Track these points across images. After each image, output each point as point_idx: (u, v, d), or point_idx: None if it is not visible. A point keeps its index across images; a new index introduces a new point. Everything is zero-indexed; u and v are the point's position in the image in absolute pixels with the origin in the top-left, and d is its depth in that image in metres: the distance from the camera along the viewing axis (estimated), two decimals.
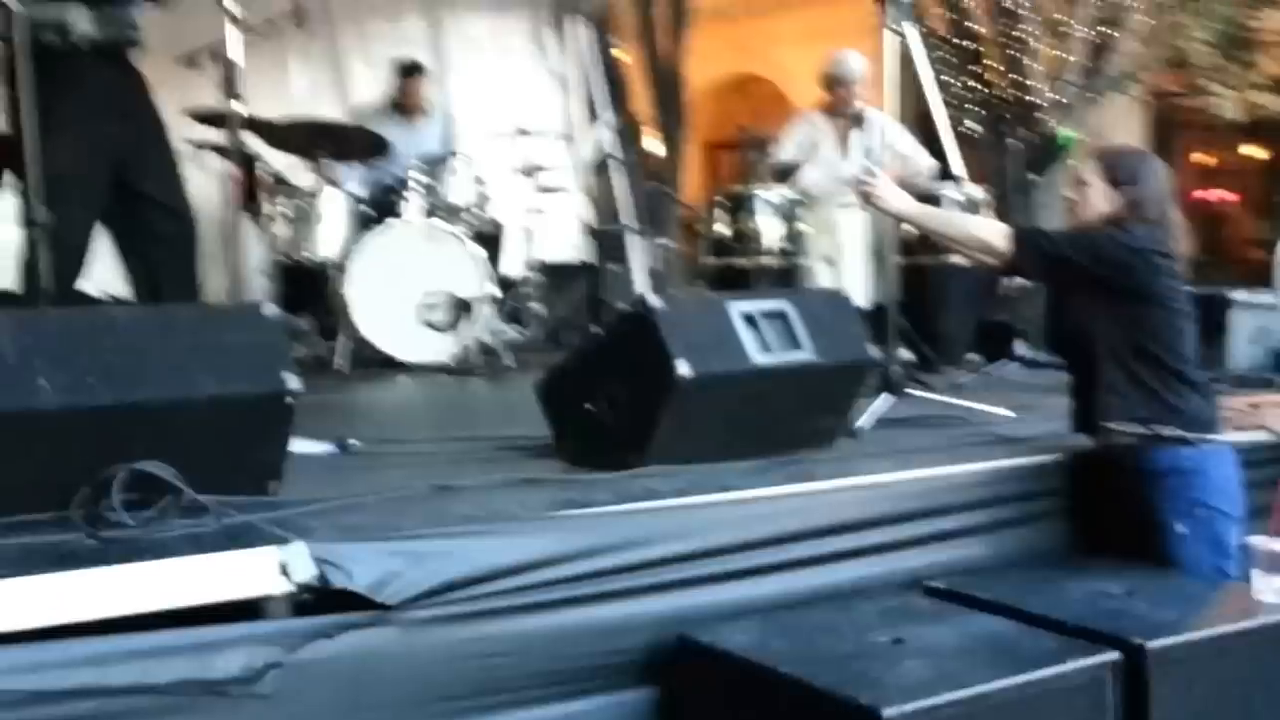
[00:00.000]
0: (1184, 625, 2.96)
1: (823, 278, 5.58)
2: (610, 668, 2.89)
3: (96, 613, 2.47)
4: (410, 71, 6.89)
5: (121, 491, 2.75)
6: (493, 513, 2.94)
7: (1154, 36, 10.01)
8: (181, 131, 6.45)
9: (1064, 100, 9.88)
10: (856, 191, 3.89)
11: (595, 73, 8.44)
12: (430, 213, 5.86)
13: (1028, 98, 9.64)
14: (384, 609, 2.65)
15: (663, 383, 3.24)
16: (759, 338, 3.42)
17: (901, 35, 4.65)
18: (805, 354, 3.48)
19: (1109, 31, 9.91)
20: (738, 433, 3.45)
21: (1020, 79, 9.75)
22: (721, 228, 5.61)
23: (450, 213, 5.91)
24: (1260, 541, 3.20)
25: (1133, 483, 3.48)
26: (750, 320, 3.42)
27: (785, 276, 5.55)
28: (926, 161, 6.13)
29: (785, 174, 5.82)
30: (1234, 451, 3.56)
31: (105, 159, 4.06)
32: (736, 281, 5.61)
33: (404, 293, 5.61)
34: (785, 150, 6.02)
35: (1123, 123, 11.70)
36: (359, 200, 5.94)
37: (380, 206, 5.92)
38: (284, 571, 2.62)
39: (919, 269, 5.50)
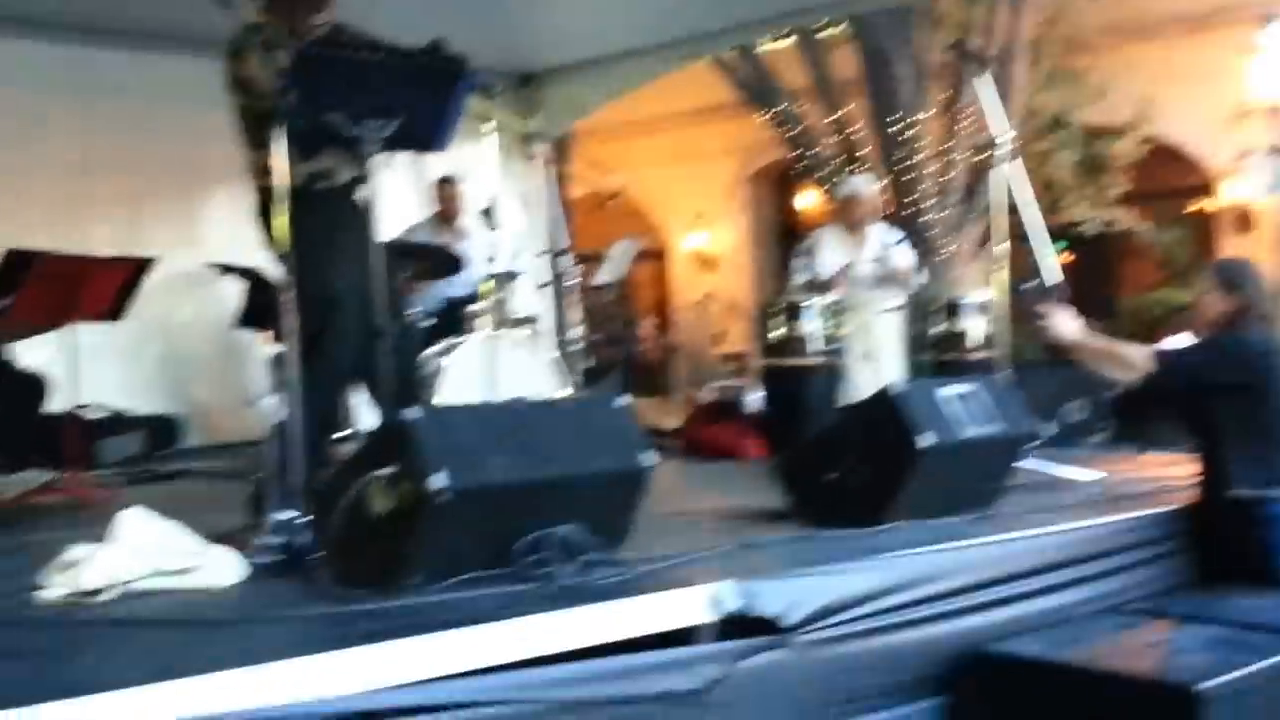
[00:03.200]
0: None
1: (862, 374, 6.47)
2: (926, 679, 3.63)
3: (577, 642, 3.10)
4: (447, 180, 7.34)
5: (550, 550, 3.38)
6: (844, 555, 3.65)
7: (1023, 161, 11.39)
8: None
9: (949, 218, 11.14)
10: (1035, 323, 4.72)
11: (553, 200, 9.11)
12: (498, 325, 6.46)
13: (920, 219, 10.83)
14: (782, 632, 3.34)
15: (907, 452, 4.04)
16: (964, 414, 4.25)
17: None
18: (995, 427, 4.32)
19: (984, 157, 11.24)
20: (946, 494, 4.25)
21: (913, 200, 10.94)
22: (775, 332, 6.44)
23: (519, 324, 6.54)
24: None
25: (1252, 530, 4.41)
26: (956, 399, 4.25)
27: (831, 373, 6.41)
28: (912, 274, 7.04)
29: (824, 287, 6.68)
30: None
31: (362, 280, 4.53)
32: (785, 378, 6.45)
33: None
34: (818, 265, 6.87)
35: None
36: (431, 316, 6.49)
37: (454, 321, 6.50)
38: (715, 604, 3.30)
39: (940, 363, 6.48)
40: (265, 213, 4.54)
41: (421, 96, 4.05)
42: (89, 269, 5.84)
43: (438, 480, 3.17)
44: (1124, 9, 12.08)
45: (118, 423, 7.59)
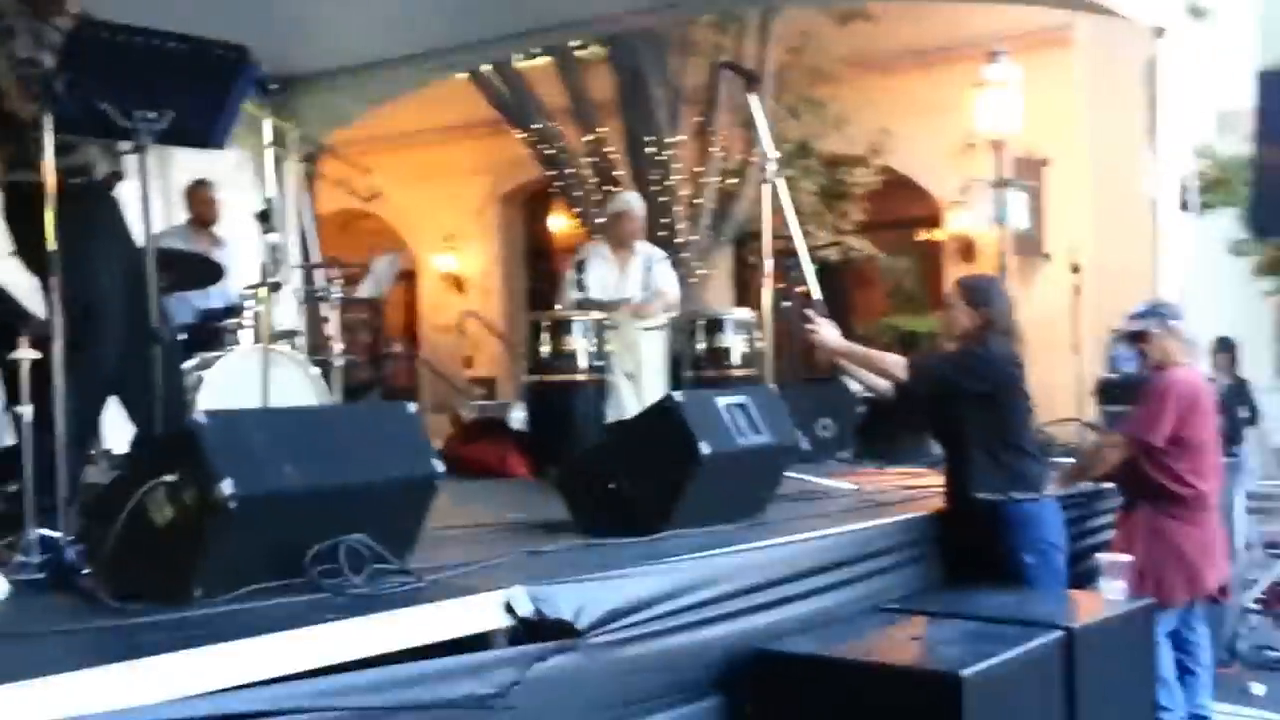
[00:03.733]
0: (1078, 616, 4.22)
1: (627, 390, 6.60)
2: (708, 677, 3.76)
3: (373, 650, 3.11)
4: (202, 184, 7.17)
5: (341, 559, 3.37)
6: (627, 560, 3.75)
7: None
8: None
9: (700, 241, 11.48)
10: (803, 333, 4.96)
11: (306, 212, 9.01)
12: (259, 338, 6.33)
13: (675, 240, 11.11)
14: (574, 635, 3.42)
15: (688, 460, 4.18)
16: (734, 425, 4.41)
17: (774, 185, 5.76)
18: (764, 437, 4.51)
19: (734, 182, 11.66)
20: (721, 501, 4.41)
21: (668, 222, 11.22)
22: (544, 348, 6.50)
23: (281, 337, 6.43)
24: (1105, 556, 4.55)
25: (993, 530, 4.72)
26: (730, 410, 4.41)
27: (597, 389, 6.52)
28: (675, 295, 7.23)
29: (586, 306, 6.80)
30: (1058, 502, 4.92)
31: (124, 284, 4.42)
32: (552, 394, 6.53)
33: None
34: (576, 282, 6.97)
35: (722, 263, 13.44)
36: (187, 329, 6.32)
37: (209, 333, 6.34)
38: (509, 609, 3.36)
39: (702, 379, 6.69)
40: (12, 212, 4.40)
41: (199, 87, 3.93)
42: None
43: (224, 487, 3.13)
44: (863, 42, 12.64)
45: None
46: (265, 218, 4.65)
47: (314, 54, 8.21)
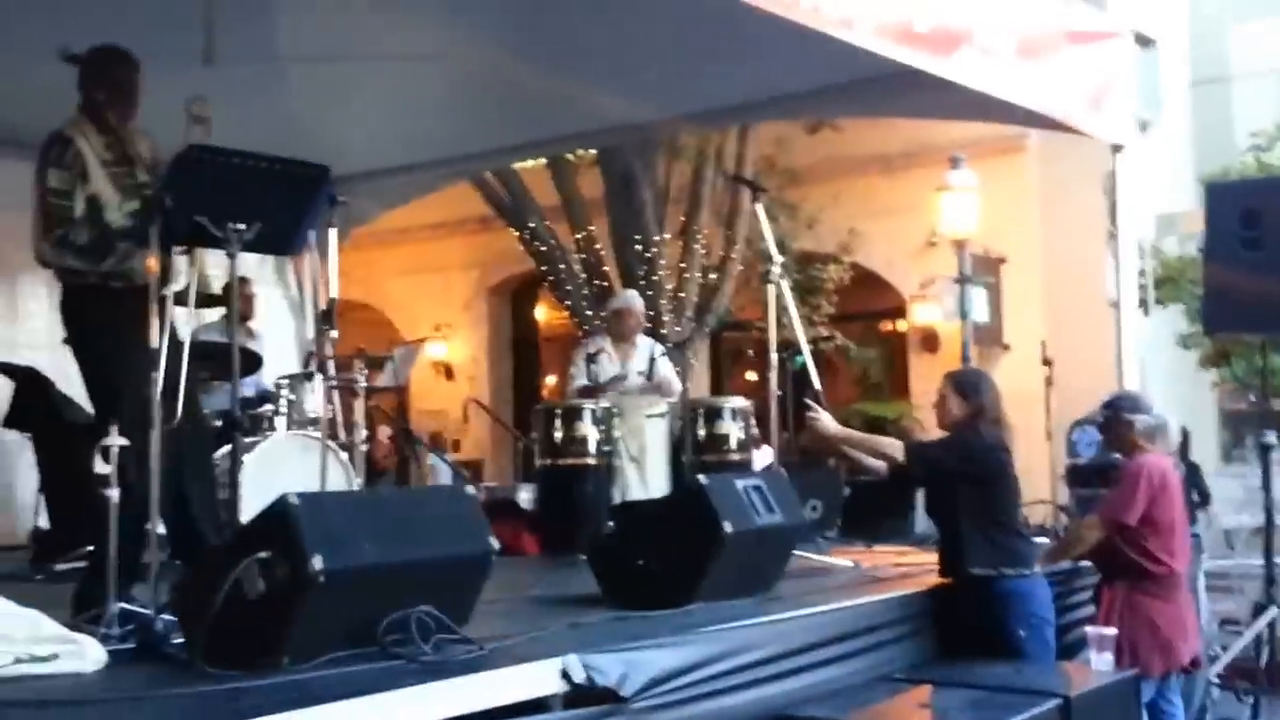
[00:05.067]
0: (1072, 685, 4.44)
1: (632, 474, 6.83)
2: None
3: (446, 713, 3.30)
4: (241, 281, 7.34)
5: (410, 629, 3.57)
6: (662, 631, 3.96)
7: (747, 282, 12.20)
8: None
9: (683, 332, 11.76)
10: (806, 420, 5.21)
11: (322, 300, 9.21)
12: (290, 425, 6.54)
13: (661, 331, 11.38)
14: (620, 701, 3.62)
15: (712, 539, 4.40)
16: (753, 505, 4.65)
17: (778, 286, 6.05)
18: (778, 517, 4.74)
19: (715, 277, 11.99)
20: (740, 577, 4.63)
21: (655, 315, 11.49)
22: (557, 433, 6.74)
23: (312, 424, 6.63)
24: (1093, 630, 4.79)
25: (987, 604, 4.95)
26: (748, 491, 4.65)
27: (604, 472, 6.75)
28: (676, 385, 7.49)
29: (590, 392, 7.05)
30: (1046, 578, 5.16)
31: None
32: (563, 476, 6.76)
33: None
34: (586, 371, 7.22)
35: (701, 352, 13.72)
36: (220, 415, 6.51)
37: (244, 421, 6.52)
38: (565, 676, 3.56)
39: (702, 464, 6.92)
40: (70, 308, 4.61)
41: (285, 201, 4.19)
42: None
43: (315, 563, 3.33)
44: (832, 147, 13.08)
45: None
46: (327, 317, 4.86)
47: (338, 161, 8.49)
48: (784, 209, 12.86)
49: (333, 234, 4.79)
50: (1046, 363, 8.79)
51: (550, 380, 16.94)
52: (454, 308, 16.88)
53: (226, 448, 6.26)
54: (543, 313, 16.79)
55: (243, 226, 4.05)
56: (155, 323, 4.01)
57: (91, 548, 4.81)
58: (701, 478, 4.55)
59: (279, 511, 3.44)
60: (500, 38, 6.64)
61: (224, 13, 5.73)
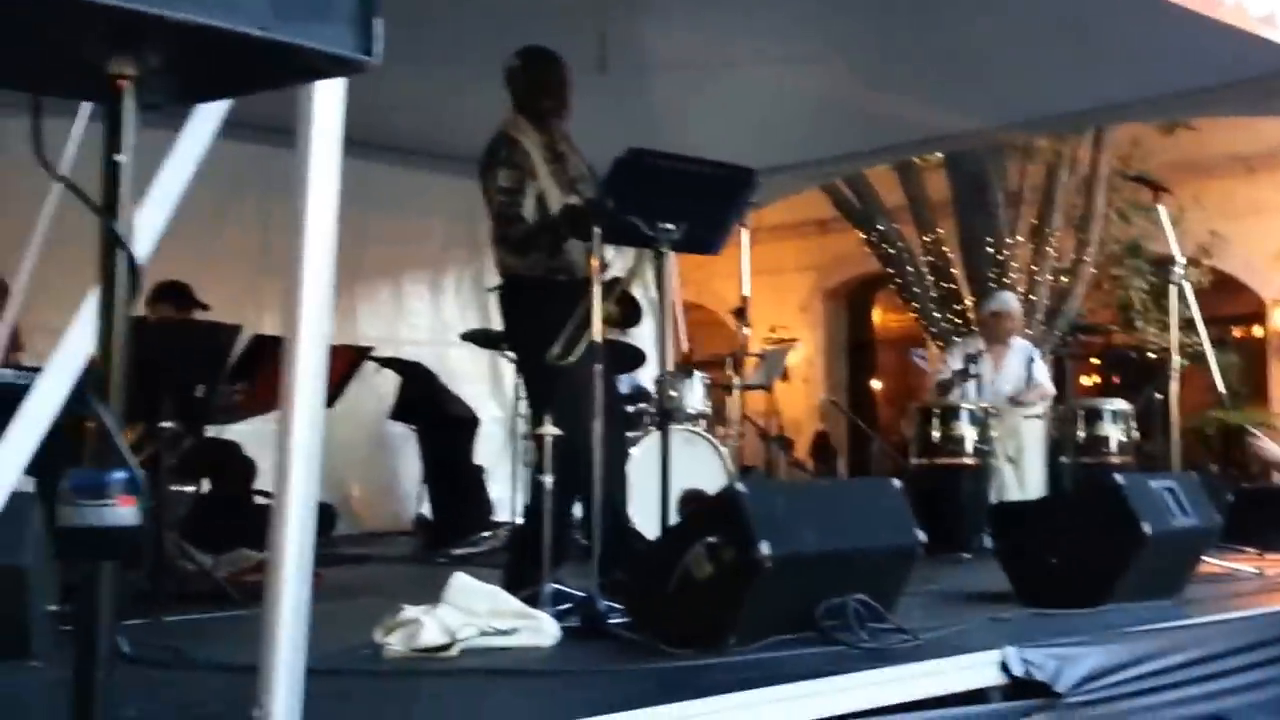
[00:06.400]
0: None
1: (1008, 474, 6.71)
2: None
3: (887, 699, 3.32)
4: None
5: (847, 616, 3.61)
6: (1083, 629, 3.88)
7: (1098, 285, 11.81)
8: None
9: (1034, 336, 11.45)
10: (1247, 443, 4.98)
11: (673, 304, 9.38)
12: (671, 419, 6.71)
13: None
14: (1054, 696, 3.55)
15: (1132, 538, 4.27)
16: (1168, 506, 4.48)
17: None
18: (1192, 519, 4.56)
19: (1066, 280, 11.62)
20: (1154, 578, 4.47)
21: None
22: (935, 433, 6.70)
23: (692, 419, 6.82)
24: None
25: None
26: (1163, 493, 4.48)
27: (983, 472, 6.65)
28: (1050, 388, 7.33)
29: (948, 388, 6.96)
30: None
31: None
32: (939, 476, 6.70)
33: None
34: (949, 367, 7.15)
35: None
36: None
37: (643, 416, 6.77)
38: (1004, 668, 3.52)
39: (1082, 466, 6.73)
40: (506, 293, 4.87)
41: (712, 203, 4.32)
42: None
43: (763, 548, 3.42)
44: (1189, 149, 12.49)
45: None
46: (741, 314, 4.99)
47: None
48: (1138, 211, 12.34)
49: (745, 235, 4.85)
50: None
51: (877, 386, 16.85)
52: (790, 310, 16.96)
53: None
54: (878, 316, 16.66)
55: (671, 226, 4.19)
56: (597, 316, 4.17)
57: (517, 530, 5.09)
58: (1117, 477, 4.41)
59: (727, 499, 3.55)
60: (861, 40, 6.63)
61: (615, 23, 5.98)
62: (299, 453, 2.40)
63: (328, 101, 2.42)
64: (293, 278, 2.43)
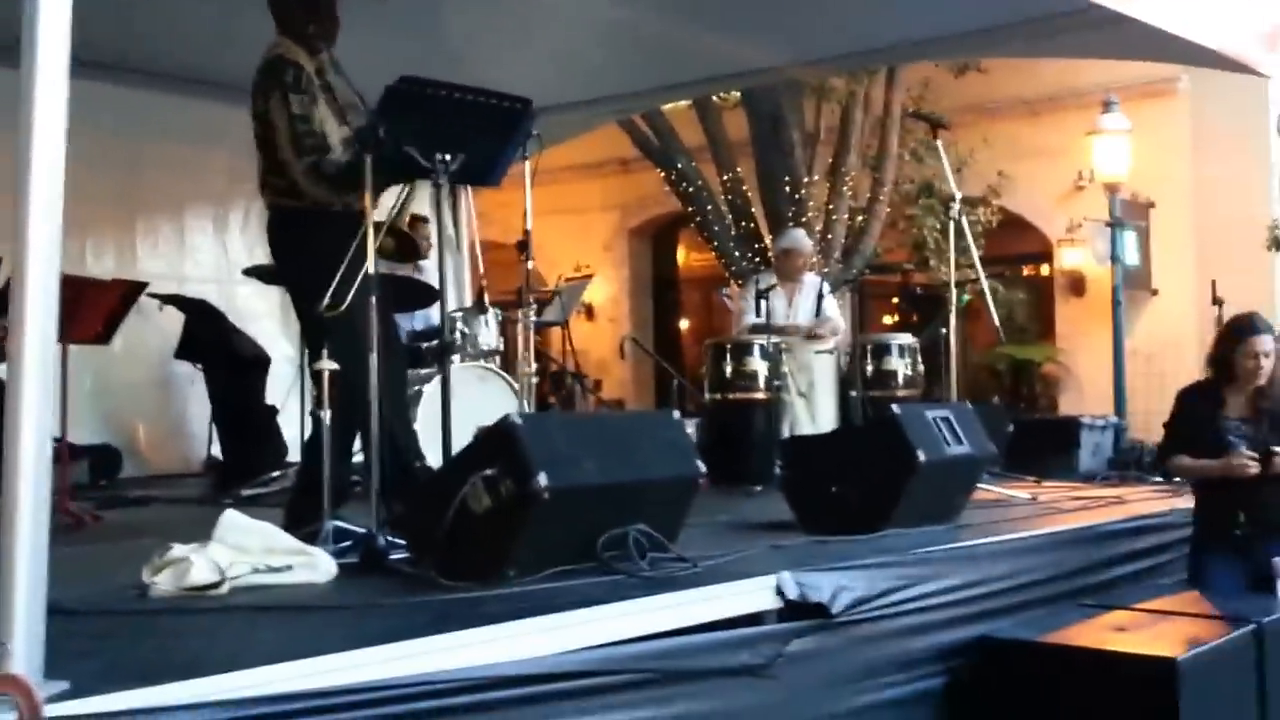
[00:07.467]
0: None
1: (800, 409, 6.85)
2: (932, 660, 3.98)
3: (665, 625, 3.36)
4: (420, 220, 7.43)
5: (628, 546, 3.63)
6: (861, 554, 3.99)
7: (893, 224, 12.13)
8: None
9: (831, 274, 11.69)
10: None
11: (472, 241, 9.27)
12: (463, 357, 6.65)
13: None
14: (828, 617, 3.65)
15: (907, 467, 4.40)
16: (943, 436, 4.63)
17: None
18: (966, 448, 4.72)
19: (862, 219, 11.88)
20: (929, 505, 4.63)
21: None
22: (727, 368, 6.78)
23: (485, 356, 6.76)
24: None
25: None
26: (938, 422, 4.63)
27: (772, 407, 6.77)
28: (840, 322, 7.51)
29: (761, 330, 7.06)
30: None
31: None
32: (733, 411, 6.81)
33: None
34: (752, 307, 7.24)
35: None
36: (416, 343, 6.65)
37: (414, 353, 6.66)
38: (779, 592, 3.60)
39: (870, 399, 6.92)
40: (277, 229, 4.68)
41: (489, 133, 4.23)
42: (84, 291, 5.66)
43: (540, 479, 3.40)
44: (979, 90, 12.86)
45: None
46: (523, 247, 4.92)
47: None
48: (930, 152, 12.66)
49: (527, 167, 4.76)
50: (1217, 302, 8.60)
51: (684, 324, 17.05)
52: (594, 249, 16.92)
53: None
54: (682, 255, 16.79)
55: (448, 158, 4.10)
56: (370, 249, 4.06)
57: (299, 469, 4.97)
58: (895, 408, 4.54)
59: (503, 431, 3.51)
60: None
61: None
62: (30, 384, 2.28)
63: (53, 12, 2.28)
64: (20, 204, 2.30)
